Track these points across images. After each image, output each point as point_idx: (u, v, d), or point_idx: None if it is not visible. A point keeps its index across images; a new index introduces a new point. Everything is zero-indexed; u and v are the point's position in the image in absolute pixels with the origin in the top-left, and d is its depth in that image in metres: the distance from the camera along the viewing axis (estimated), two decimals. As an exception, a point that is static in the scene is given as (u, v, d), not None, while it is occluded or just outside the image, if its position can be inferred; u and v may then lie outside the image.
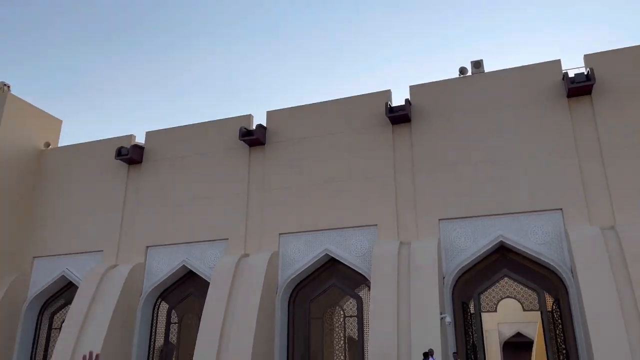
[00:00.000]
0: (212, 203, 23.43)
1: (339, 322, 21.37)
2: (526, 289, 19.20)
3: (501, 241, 18.91)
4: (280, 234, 21.93)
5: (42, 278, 25.25)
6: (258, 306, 19.41)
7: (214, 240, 22.91)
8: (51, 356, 22.58)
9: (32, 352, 24.91)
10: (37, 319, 25.40)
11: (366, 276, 19.97)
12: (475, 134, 20.49)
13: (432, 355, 14.90)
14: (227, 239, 22.67)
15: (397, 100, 21.99)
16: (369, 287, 19.68)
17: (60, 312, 25.60)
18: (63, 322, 23.27)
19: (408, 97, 21.99)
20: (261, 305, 19.58)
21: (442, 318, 17.12)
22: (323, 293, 21.59)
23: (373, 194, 20.97)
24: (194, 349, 20.26)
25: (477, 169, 19.94)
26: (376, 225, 20.61)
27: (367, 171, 21.42)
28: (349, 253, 20.71)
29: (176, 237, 23.52)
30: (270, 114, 24.20)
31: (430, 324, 16.88)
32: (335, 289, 21.54)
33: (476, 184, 19.74)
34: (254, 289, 19.91)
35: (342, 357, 20.85)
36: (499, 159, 19.80)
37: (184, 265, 23.11)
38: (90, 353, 2.32)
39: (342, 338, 21.09)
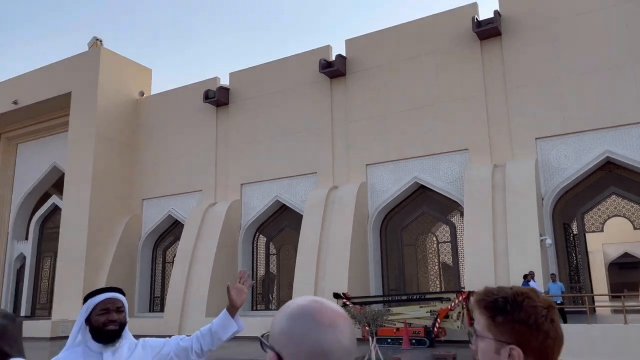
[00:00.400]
0: (298, 138, 23.73)
1: (433, 249, 21.36)
2: (637, 206, 17.79)
3: (607, 157, 17.46)
4: (367, 164, 21.87)
5: (152, 217, 27.53)
6: (350, 236, 19.83)
7: (304, 174, 23.40)
8: (168, 286, 24.98)
9: (150, 283, 27.72)
10: (152, 254, 28.00)
11: (459, 202, 19.53)
12: (573, 45, 18.55)
13: (533, 278, 14.49)
14: (316, 172, 23.05)
15: (485, 14, 20.34)
16: (462, 213, 19.28)
17: (171, 247, 27.96)
18: (174, 256, 25.45)
19: (497, 8, 20.22)
20: (353, 235, 19.99)
21: (542, 240, 16.47)
22: (414, 221, 21.54)
23: (462, 117, 20.05)
24: (293, 277, 21.37)
25: (579, 81, 18.22)
26: (467, 149, 19.84)
27: (455, 93, 20.39)
28: (439, 179, 20.26)
29: (267, 173, 24.31)
30: (349, 43, 23.50)
31: (529, 247, 16.32)
32: (427, 216, 21.37)
33: (577, 97, 18.11)
34: (345, 220, 20.29)
35: (437, 283, 20.99)
36: (604, 68, 17.91)
37: (277, 200, 23.99)
38: (243, 272, 2.45)
39: (437, 264, 21.13)
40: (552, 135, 18.38)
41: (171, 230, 27.75)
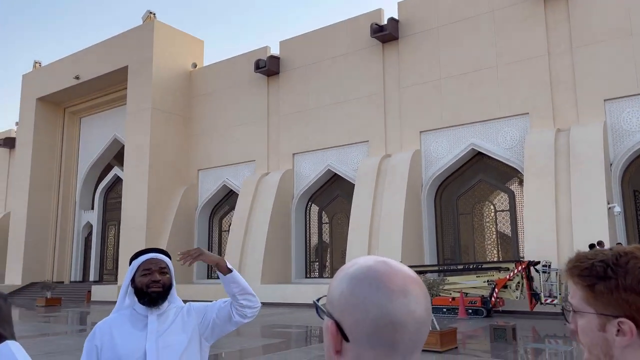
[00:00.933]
0: (350, 106, 23.37)
1: (490, 217, 20.70)
2: None
3: (686, 118, 16.09)
4: (421, 131, 21.28)
5: (207, 187, 28.22)
6: (404, 204, 19.51)
7: (356, 143, 23.11)
8: (224, 254, 25.69)
9: (208, 250, 28.55)
10: (209, 223, 28.82)
11: (518, 169, 18.72)
12: (652, -8, 16.98)
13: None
14: (368, 140, 22.69)
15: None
16: (522, 180, 18.47)
17: (227, 216, 28.64)
18: (230, 225, 26.05)
19: (562, -41, 18.76)
20: (407, 204, 19.65)
21: (609, 208, 15.53)
22: (470, 189, 20.89)
23: (523, 79, 18.99)
24: (345, 246, 21.39)
25: (654, 35, 16.73)
26: (528, 113, 18.85)
27: (515, 54, 19.29)
28: (497, 146, 19.44)
29: (319, 142, 24.19)
30: (401, 5, 22.64)
31: (595, 215, 15.44)
32: (484, 184, 20.66)
33: (653, 53, 16.67)
34: (398, 188, 19.95)
35: (494, 252, 20.40)
36: (684, 20, 16.33)
37: (328, 169, 23.90)
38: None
39: (494, 233, 20.50)
40: (623, 97, 17.10)
41: (226, 199, 28.36)
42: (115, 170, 32.44)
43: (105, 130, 33.36)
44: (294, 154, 25.15)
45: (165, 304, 2.19)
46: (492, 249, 20.49)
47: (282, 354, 9.34)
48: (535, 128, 18.44)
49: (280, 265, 23.72)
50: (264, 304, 20.97)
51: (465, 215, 21.04)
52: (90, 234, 34.23)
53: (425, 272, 16.70)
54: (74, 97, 33.83)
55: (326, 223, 25.44)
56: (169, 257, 2.26)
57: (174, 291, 2.24)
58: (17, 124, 36.44)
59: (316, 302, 0.92)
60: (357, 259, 0.88)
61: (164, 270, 2.18)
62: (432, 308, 9.45)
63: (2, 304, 1.44)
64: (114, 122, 32.59)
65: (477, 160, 20.47)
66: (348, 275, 0.85)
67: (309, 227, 25.46)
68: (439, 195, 21.27)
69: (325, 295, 0.90)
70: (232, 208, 26.96)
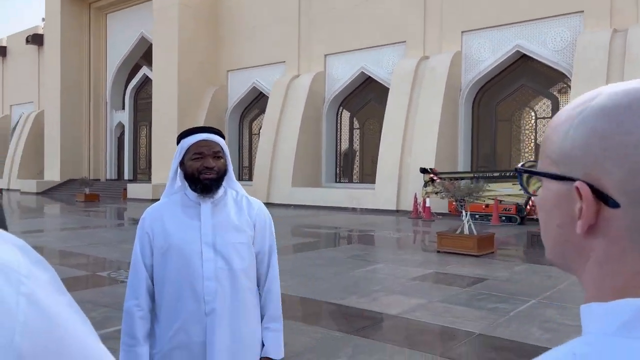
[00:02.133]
0: (386, 3, 21.84)
1: (529, 125, 19.87)
2: None
3: None
4: (462, 31, 19.91)
5: (237, 89, 27.71)
6: (440, 110, 18.77)
7: (392, 43, 21.91)
8: (255, 156, 25.78)
9: (238, 154, 28.76)
10: (239, 126, 28.68)
11: (566, 73, 17.54)
12: None
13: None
14: (405, 41, 21.46)
15: None
16: (569, 85, 17.37)
17: (257, 119, 28.38)
18: (260, 128, 25.84)
19: None
20: (443, 109, 18.90)
21: None
22: (512, 94, 19.88)
23: (581, -28, 17.18)
24: (376, 153, 21.07)
25: None
26: (582, 11, 17.26)
27: (576, -57, 17.30)
28: (544, 47, 18.10)
29: (352, 43, 23.03)
30: None
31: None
32: (526, 88, 19.59)
33: None
34: (435, 93, 19.10)
35: (531, 159, 19.82)
36: None
37: (362, 72, 22.96)
38: None
39: (532, 141, 19.77)
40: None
41: (256, 102, 27.92)
42: (144, 70, 32.01)
43: (132, 27, 32.49)
44: (325, 55, 24.14)
45: (221, 190, 1.88)
46: (530, 157, 19.87)
47: (314, 253, 9.42)
48: (590, 28, 16.97)
49: (310, 169, 23.72)
50: (294, 206, 21.26)
51: (504, 122, 20.25)
52: (122, 133, 34.70)
53: (459, 178, 16.37)
54: (99, -8, 32.70)
55: (357, 128, 24.98)
56: (223, 137, 1.93)
57: (230, 175, 1.92)
58: (43, 19, 35.77)
59: (521, 167, 0.56)
60: (598, 89, 0.50)
61: (218, 154, 1.85)
62: (467, 213, 9.23)
63: None
64: (140, 18, 31.59)
65: (521, 64, 19.25)
66: (598, 108, 0.47)
67: (340, 132, 25.07)
68: (478, 101, 20.36)
69: (529, 160, 0.51)
70: (262, 111, 26.59)
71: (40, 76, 38.04)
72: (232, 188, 1.94)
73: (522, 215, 14.70)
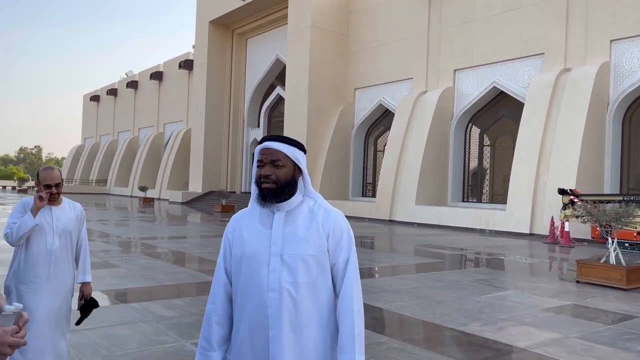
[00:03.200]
0: (523, 13, 20.64)
1: (696, 143, 17.26)
2: None
3: None
4: (611, 40, 18.03)
5: (363, 106, 28.07)
6: (584, 125, 17.11)
7: (527, 56, 20.60)
8: (379, 173, 25.78)
9: (363, 169, 29.01)
10: (364, 143, 28.96)
11: None
12: None
13: None
14: (543, 53, 20.03)
15: None
16: None
17: (382, 136, 28.42)
18: (385, 145, 25.81)
19: None
20: (587, 125, 17.19)
21: None
22: (673, 108, 17.48)
23: None
24: (508, 171, 19.82)
25: None
26: None
27: None
28: None
29: (483, 57, 22.09)
30: None
31: None
32: (692, 102, 17.09)
33: None
34: (578, 107, 17.48)
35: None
36: None
37: (494, 86, 21.89)
38: None
39: (700, 161, 17.13)
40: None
41: (382, 119, 28.00)
42: (278, 90, 33.93)
43: (268, 50, 34.73)
44: (455, 71, 23.44)
45: (296, 199, 1.82)
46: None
47: (437, 274, 9.06)
48: None
49: (436, 187, 23.05)
50: (418, 224, 20.85)
51: (662, 140, 17.84)
52: (256, 150, 36.94)
53: (604, 201, 14.72)
54: (241, 19, 35.49)
55: (488, 145, 23.78)
56: (299, 146, 1.84)
57: (308, 184, 1.85)
58: (193, 46, 39.74)
59: None
60: None
61: (276, 162, 1.78)
62: (613, 241, 8.21)
63: None
64: (276, 42, 33.67)
65: (685, 74, 16.88)
66: None
67: (469, 150, 24.07)
68: (629, 115, 18.23)
69: None
70: (388, 128, 26.55)
71: (189, 97, 42.22)
72: (310, 197, 1.87)
73: (685, 247, 12.73)
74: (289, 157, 1.80)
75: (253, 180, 1.87)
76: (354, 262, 1.82)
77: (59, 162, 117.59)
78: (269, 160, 1.79)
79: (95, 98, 60.55)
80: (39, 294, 3.14)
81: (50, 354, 3.12)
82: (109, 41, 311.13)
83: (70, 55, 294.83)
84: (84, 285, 3.44)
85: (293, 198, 1.82)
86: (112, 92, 55.89)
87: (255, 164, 1.86)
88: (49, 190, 3.15)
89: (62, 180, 3.26)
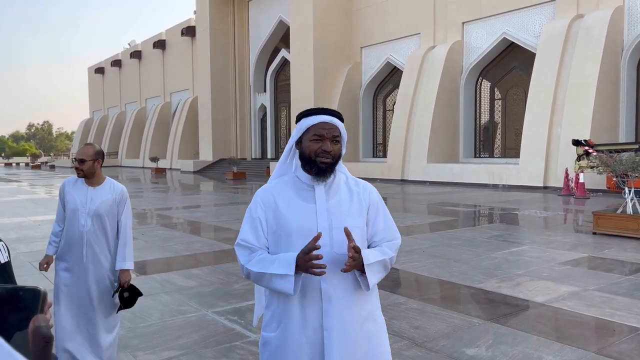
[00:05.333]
0: (533, -41, 19.85)
1: None
2: None
3: None
4: (627, -18, 17.36)
5: (370, 65, 27.59)
6: (597, 74, 16.69)
7: (538, 3, 19.95)
8: (389, 133, 25.56)
9: (373, 130, 28.77)
10: (373, 102, 28.62)
11: None
12: None
13: None
14: (554, 0, 19.36)
15: None
16: None
17: (391, 95, 28.04)
18: (394, 104, 25.48)
19: None
20: (601, 73, 16.77)
21: None
22: (691, 51, 16.94)
23: None
24: (521, 125, 19.52)
25: None
26: None
27: None
28: None
29: (492, 7, 21.43)
30: None
31: None
32: None
33: None
34: (592, 55, 17.00)
35: None
36: None
37: (504, 37, 21.32)
38: None
39: None
40: None
41: (390, 78, 27.56)
42: (283, 53, 33.39)
43: (270, 12, 34.00)
44: (463, 23, 22.83)
45: (332, 175, 1.82)
46: None
47: (451, 232, 9.07)
48: None
49: (447, 144, 22.85)
50: (430, 182, 20.83)
51: (679, 85, 17.39)
52: (265, 115, 36.78)
53: (620, 150, 14.49)
54: (241, -19, 34.62)
55: (499, 99, 23.39)
56: (342, 120, 1.86)
57: (341, 161, 1.87)
58: (195, 12, 39.02)
59: None
60: None
61: (336, 138, 1.80)
62: (630, 191, 8.10)
63: None
64: (278, 3, 32.91)
65: None
66: None
67: (480, 104, 23.70)
68: (644, 61, 17.74)
69: None
70: (396, 86, 26.15)
71: (194, 65, 41.79)
72: (340, 171, 1.88)
73: (703, 193, 12.55)
74: (342, 134, 1.84)
75: (290, 153, 1.88)
76: (393, 228, 1.92)
77: (69, 137, 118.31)
78: (330, 135, 1.79)
79: (100, 70, 60.23)
80: (74, 274, 3.15)
81: (83, 336, 3.14)
82: (108, 9, 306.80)
83: (69, 26, 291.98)
84: (122, 272, 3.23)
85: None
86: (117, 63, 55.49)
87: (297, 136, 1.83)
88: (75, 165, 3.17)
89: (93, 157, 3.14)
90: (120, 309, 3.27)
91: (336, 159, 1.80)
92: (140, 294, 3.33)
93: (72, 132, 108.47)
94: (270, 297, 1.83)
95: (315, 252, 1.66)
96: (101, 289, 3.19)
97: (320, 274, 1.64)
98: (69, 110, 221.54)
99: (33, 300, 0.82)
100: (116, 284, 3.26)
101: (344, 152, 1.86)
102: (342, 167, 1.88)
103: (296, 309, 1.76)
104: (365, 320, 1.80)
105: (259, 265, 1.73)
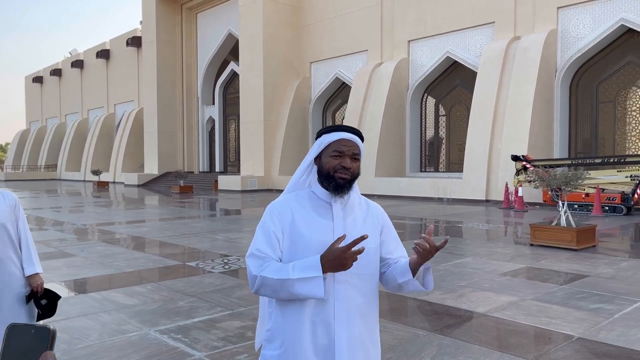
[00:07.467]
0: (473, -17, 20.80)
1: (637, 106, 18.09)
2: None
3: None
4: (558, 7, 18.49)
5: (320, 80, 27.89)
6: (534, 92, 17.62)
7: (479, 25, 20.88)
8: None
9: (322, 144, 28.98)
10: (322, 117, 28.88)
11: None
12: None
13: None
14: (494, 22, 20.34)
15: None
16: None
17: (340, 110, 28.40)
18: (343, 118, 25.82)
19: None
20: (537, 92, 17.72)
21: None
22: (616, 73, 18.20)
23: None
24: (464, 139, 20.24)
25: None
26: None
27: None
28: (655, 19, 16.32)
29: (437, 26, 22.24)
30: None
31: None
32: (633, 66, 17.83)
33: None
34: (528, 75, 17.93)
35: (639, 145, 18.06)
36: None
37: (448, 56, 22.13)
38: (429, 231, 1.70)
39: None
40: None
41: (339, 93, 27.94)
42: (232, 66, 33.21)
43: (219, 25, 33.79)
44: (409, 41, 23.54)
45: (349, 193, 1.82)
46: (637, 141, 18.13)
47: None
48: None
49: (394, 158, 23.34)
50: (377, 196, 21.16)
51: (606, 104, 18.61)
52: (213, 128, 36.30)
53: (555, 166, 15.31)
54: (189, -7, 34.27)
55: (443, 115, 24.19)
56: (363, 140, 1.87)
57: (355, 182, 1.87)
58: (141, 22, 38.19)
59: None
60: None
61: (356, 156, 1.81)
62: (564, 204, 8.56)
63: None
64: (227, 16, 32.77)
65: (627, 39, 17.56)
66: None
67: (425, 120, 24.41)
68: (576, 82, 18.88)
69: None
70: (345, 101, 26.54)
71: (139, 76, 40.78)
72: (356, 191, 1.89)
73: (629, 205, 13.45)
74: (361, 153, 1.85)
75: (307, 168, 1.86)
76: (402, 249, 1.97)
77: (3, 148, 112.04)
78: (351, 153, 1.80)
79: (38, 79, 57.63)
80: None
81: None
82: (48, 18, 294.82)
83: (4, 31, 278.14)
84: (32, 278, 3.03)
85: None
86: (56, 72, 53.32)
87: (317, 152, 1.82)
88: None
89: None
90: (40, 318, 3.05)
91: (354, 176, 1.81)
92: (59, 297, 3.11)
93: (7, 144, 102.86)
94: (276, 311, 1.75)
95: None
96: (18, 305, 2.97)
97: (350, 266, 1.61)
98: (3, 121, 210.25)
99: (42, 337, 0.90)
100: (28, 289, 3.02)
101: (360, 171, 1.86)
102: (356, 188, 1.88)
103: (305, 325, 1.69)
104: (371, 343, 1.79)
105: (277, 272, 1.64)
